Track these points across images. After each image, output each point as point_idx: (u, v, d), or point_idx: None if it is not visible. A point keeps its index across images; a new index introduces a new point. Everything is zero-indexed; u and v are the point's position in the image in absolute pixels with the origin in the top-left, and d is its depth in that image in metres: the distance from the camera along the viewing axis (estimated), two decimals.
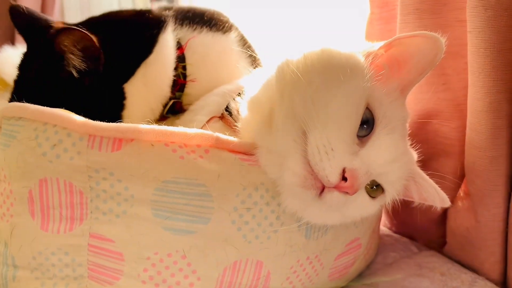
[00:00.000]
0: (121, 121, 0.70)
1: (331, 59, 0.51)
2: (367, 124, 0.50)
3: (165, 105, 0.76)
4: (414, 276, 0.69)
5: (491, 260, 0.67)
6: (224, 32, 0.82)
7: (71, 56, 0.64)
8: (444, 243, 0.78)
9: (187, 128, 0.52)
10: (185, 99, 0.79)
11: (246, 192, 0.52)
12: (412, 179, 0.56)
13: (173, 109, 0.78)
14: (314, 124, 0.48)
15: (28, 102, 0.67)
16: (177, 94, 0.77)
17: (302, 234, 0.56)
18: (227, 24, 0.83)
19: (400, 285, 0.67)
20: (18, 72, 0.70)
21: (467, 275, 0.69)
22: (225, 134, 0.56)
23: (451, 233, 0.74)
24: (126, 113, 0.71)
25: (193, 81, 0.78)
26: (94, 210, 0.50)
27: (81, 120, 0.49)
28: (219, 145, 0.53)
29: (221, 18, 0.83)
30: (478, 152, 0.62)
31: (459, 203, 0.72)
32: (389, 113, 0.51)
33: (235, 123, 0.61)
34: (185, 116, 0.72)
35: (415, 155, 0.58)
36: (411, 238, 0.85)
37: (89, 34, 0.64)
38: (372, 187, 0.52)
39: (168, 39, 0.74)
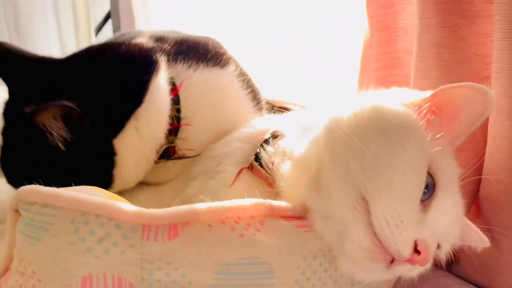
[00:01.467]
0: (111, 182, 0.64)
1: (385, 119, 0.49)
2: (427, 188, 0.48)
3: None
4: None
5: (509, 283, 0.70)
6: (223, 67, 0.74)
7: (54, 131, 0.58)
8: (450, 261, 0.81)
9: (240, 200, 0.48)
10: (180, 144, 0.71)
11: (306, 263, 0.49)
12: None
13: (166, 153, 0.71)
14: (378, 192, 0.45)
15: (13, 167, 0.63)
16: (171, 139, 0.69)
17: None
18: (224, 56, 0.75)
19: None
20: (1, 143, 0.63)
21: None
22: (263, 189, 0.53)
23: (465, 254, 0.76)
24: (117, 171, 0.64)
25: (188, 125, 0.70)
26: None
27: (131, 209, 0.43)
28: (274, 213, 0.49)
29: (218, 50, 0.75)
30: (503, 186, 0.64)
31: None
32: (448, 173, 0.50)
33: (268, 175, 0.58)
34: (206, 164, 0.66)
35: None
36: None
37: (65, 104, 0.57)
38: None
39: (161, 84, 0.65)
